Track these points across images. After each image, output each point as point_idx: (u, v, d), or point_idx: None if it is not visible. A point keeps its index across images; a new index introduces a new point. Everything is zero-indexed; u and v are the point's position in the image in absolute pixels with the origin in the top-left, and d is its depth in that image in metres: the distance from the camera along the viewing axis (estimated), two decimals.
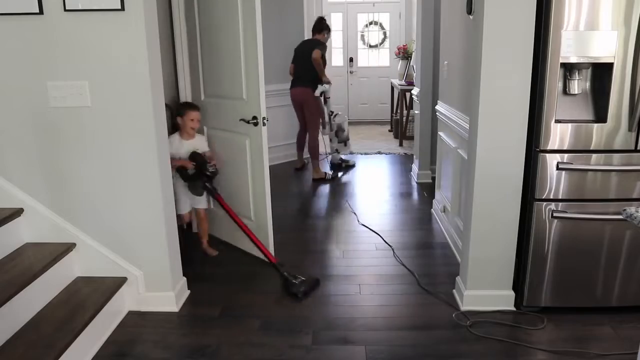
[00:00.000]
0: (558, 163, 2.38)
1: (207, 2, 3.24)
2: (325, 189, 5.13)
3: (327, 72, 5.37)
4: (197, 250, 3.43)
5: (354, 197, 4.89)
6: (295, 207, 4.53)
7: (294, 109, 5.53)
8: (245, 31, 2.96)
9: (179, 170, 3.11)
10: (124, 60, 2.38)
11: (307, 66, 5.20)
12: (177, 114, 3.22)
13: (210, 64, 3.35)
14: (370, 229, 3.84)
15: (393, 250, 3.45)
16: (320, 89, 5.27)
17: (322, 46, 5.20)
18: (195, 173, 3.12)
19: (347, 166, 5.93)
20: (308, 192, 5.02)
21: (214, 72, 3.34)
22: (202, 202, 3.36)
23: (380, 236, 3.69)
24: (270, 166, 5.75)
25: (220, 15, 3.14)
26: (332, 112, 5.66)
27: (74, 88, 2.41)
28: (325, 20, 5.39)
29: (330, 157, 5.90)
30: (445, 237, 3.64)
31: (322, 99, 5.39)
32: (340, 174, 5.66)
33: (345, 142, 5.82)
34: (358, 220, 4.09)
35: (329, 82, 5.33)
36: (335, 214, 4.40)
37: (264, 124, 3.01)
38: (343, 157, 5.94)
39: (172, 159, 2.94)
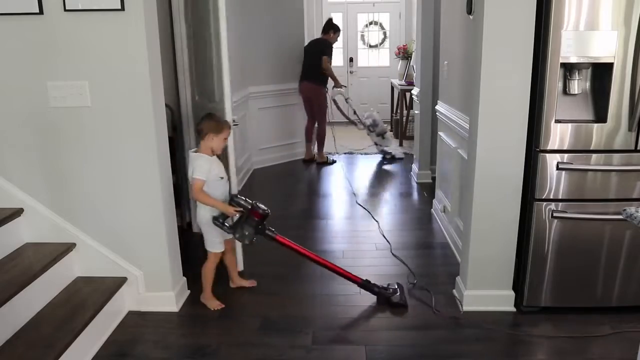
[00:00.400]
0: (558, 163, 2.38)
1: (195, 2, 3.23)
2: (323, 188, 5.13)
3: None
4: (196, 250, 3.41)
5: (353, 196, 4.89)
6: (294, 207, 4.52)
7: (303, 103, 5.91)
8: (216, 31, 2.87)
9: (216, 220, 2.60)
10: (124, 60, 2.38)
11: (313, 64, 5.68)
12: (208, 130, 2.59)
13: (197, 64, 3.34)
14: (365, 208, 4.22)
15: (378, 223, 3.79)
16: (336, 92, 6.02)
17: (329, 49, 5.75)
18: (240, 219, 2.61)
19: (393, 158, 6.15)
20: (305, 192, 5.02)
21: (199, 73, 3.32)
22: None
23: (369, 211, 3.91)
24: (266, 167, 5.83)
25: (201, 15, 3.10)
26: (355, 111, 6.29)
27: (74, 88, 2.41)
28: (331, 20, 5.92)
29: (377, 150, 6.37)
30: (445, 237, 3.64)
31: (338, 100, 6.09)
32: (385, 164, 6.05)
33: (382, 135, 6.24)
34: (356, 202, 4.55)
35: (343, 86, 6.10)
36: (334, 213, 4.40)
37: None
38: (386, 149, 6.22)
39: (202, 190, 2.56)
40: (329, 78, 5.81)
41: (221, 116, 2.80)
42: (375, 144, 6.32)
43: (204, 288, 2.77)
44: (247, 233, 2.60)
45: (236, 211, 2.59)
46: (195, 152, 2.65)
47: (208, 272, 2.74)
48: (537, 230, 2.48)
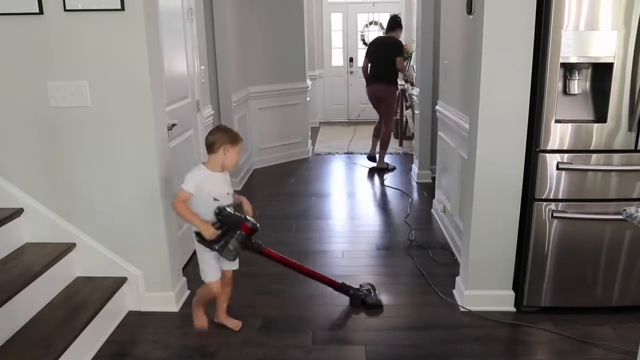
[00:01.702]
0: (558, 163, 2.38)
1: None
2: (323, 188, 5.13)
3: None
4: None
5: (353, 196, 4.89)
6: (294, 207, 4.51)
7: (372, 103, 5.80)
8: None
9: (199, 236, 2.29)
10: (124, 60, 2.38)
11: (387, 64, 5.47)
12: (223, 142, 2.27)
13: None
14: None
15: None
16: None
17: (402, 49, 5.52)
18: (225, 233, 2.29)
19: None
20: (306, 192, 5.01)
21: None
22: (233, 262, 2.42)
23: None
24: (266, 167, 5.84)
25: None
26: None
27: (74, 88, 2.41)
28: (397, 18, 5.68)
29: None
30: (445, 237, 3.64)
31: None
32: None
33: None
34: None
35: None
36: (334, 213, 4.40)
37: None
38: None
39: (184, 201, 2.25)
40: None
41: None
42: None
43: (193, 307, 2.55)
44: (232, 248, 2.29)
45: (215, 233, 2.26)
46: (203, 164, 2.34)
47: (201, 298, 2.50)
48: (537, 230, 2.48)
